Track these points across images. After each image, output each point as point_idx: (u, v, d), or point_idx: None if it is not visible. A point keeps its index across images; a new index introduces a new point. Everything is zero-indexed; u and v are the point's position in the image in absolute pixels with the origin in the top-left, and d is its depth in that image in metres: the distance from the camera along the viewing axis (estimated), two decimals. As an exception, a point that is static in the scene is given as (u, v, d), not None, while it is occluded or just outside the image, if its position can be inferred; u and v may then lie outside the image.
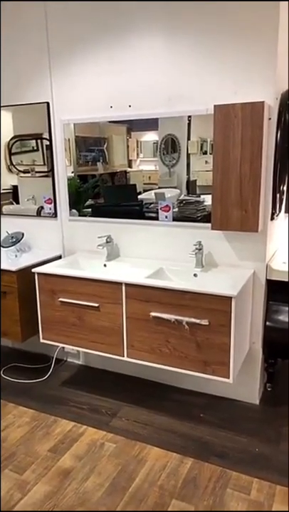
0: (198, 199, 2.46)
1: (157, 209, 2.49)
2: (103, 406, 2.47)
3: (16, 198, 3.06)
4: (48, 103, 2.67)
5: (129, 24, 2.34)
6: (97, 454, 2.09)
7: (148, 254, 2.57)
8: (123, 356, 2.28)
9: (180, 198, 2.49)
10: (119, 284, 2.22)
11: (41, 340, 2.52)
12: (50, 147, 2.76)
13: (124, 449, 2.12)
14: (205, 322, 2.03)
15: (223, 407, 2.44)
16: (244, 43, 2.09)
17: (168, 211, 2.48)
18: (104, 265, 2.59)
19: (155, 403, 2.48)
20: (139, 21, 2.31)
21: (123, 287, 2.21)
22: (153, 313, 2.14)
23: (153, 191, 2.58)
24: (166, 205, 2.48)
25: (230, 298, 1.98)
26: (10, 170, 3.01)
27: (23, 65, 2.70)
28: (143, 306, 2.17)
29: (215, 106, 2.08)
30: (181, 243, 2.45)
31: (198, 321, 2.04)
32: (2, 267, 2.56)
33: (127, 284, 2.20)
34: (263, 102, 2.01)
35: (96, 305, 2.29)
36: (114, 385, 2.67)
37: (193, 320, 2.05)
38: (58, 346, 2.76)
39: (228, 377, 2.06)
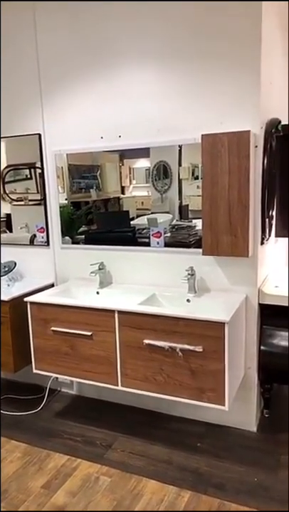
0: (190, 224, 2.48)
1: (150, 234, 2.52)
2: (98, 437, 2.41)
3: (9, 227, 3.07)
4: (39, 134, 2.73)
5: (119, 57, 2.41)
6: (92, 489, 2.02)
7: (141, 281, 2.57)
8: (117, 385, 2.24)
9: (172, 223, 2.52)
10: (112, 311, 2.21)
11: (34, 371, 2.48)
12: (43, 175, 2.80)
13: (119, 483, 2.06)
14: (199, 349, 2.02)
15: (219, 435, 2.39)
16: (229, 75, 2.16)
17: (159, 237, 2.50)
18: (97, 292, 2.58)
19: (150, 432, 2.43)
20: (130, 54, 2.38)
21: (116, 315, 2.20)
22: (146, 341, 2.12)
23: (146, 217, 2.61)
24: (158, 232, 2.50)
25: (224, 323, 1.97)
26: (3, 198, 3.03)
27: (15, 97, 2.77)
28: (136, 333, 2.16)
29: (202, 135, 2.14)
30: (173, 269, 2.46)
31: (191, 347, 2.03)
32: (-6, 297, 2.55)
33: (119, 312, 2.19)
34: (248, 130, 2.07)
35: (89, 333, 2.27)
36: (109, 415, 2.62)
37: (186, 347, 2.04)
38: (51, 376, 2.71)
39: (224, 405, 2.03)
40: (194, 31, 2.21)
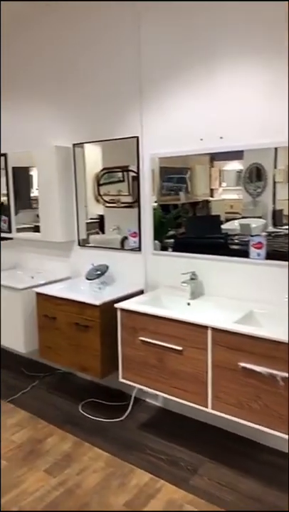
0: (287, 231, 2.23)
1: (243, 241, 2.33)
2: (183, 459, 2.27)
3: (101, 228, 3.08)
4: (137, 137, 2.67)
5: (220, 55, 2.25)
6: (176, 518, 1.89)
7: (235, 294, 2.37)
8: (207, 407, 2.08)
9: (268, 229, 2.28)
10: (205, 327, 2.05)
11: (120, 380, 2.43)
12: (135, 178, 2.75)
13: (205, 516, 1.90)
14: (304, 380, 1.77)
15: None
16: None
17: (261, 248, 2.28)
18: (188, 304, 2.44)
19: (241, 462, 2.22)
20: (232, 54, 2.21)
21: (209, 331, 2.03)
22: (242, 364, 1.93)
23: (236, 221, 2.42)
24: (259, 242, 2.27)
25: None
26: (97, 200, 3.06)
27: (115, 103, 2.75)
28: (231, 354, 1.97)
29: None
30: (274, 284, 2.22)
31: (295, 377, 1.78)
32: (86, 301, 2.54)
33: (213, 329, 2.02)
34: None
35: (179, 348, 2.13)
36: (195, 435, 2.46)
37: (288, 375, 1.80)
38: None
39: None
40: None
